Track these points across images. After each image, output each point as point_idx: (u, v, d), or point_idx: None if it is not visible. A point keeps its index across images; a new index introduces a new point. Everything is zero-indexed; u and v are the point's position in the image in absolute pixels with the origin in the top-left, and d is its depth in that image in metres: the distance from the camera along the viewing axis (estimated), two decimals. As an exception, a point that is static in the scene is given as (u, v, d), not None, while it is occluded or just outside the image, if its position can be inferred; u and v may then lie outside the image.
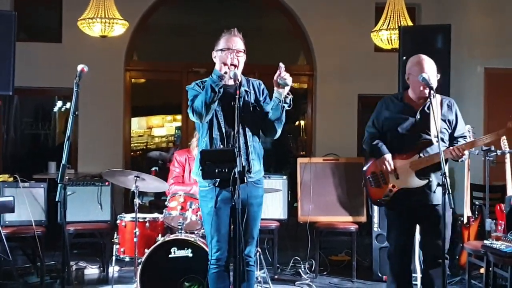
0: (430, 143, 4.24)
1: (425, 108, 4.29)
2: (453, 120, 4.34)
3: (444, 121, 4.31)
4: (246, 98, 4.02)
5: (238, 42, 4.06)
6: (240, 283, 3.73)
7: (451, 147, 4.21)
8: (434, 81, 4.20)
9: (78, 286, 5.52)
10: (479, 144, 4.25)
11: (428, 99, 4.13)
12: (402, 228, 4.47)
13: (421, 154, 4.26)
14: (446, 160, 4.20)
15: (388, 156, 4.33)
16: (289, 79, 3.81)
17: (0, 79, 6.04)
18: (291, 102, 3.91)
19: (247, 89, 4.05)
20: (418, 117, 4.31)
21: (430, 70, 4.24)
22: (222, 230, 3.97)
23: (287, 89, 3.86)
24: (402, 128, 4.36)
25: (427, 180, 4.25)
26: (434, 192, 4.23)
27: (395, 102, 4.49)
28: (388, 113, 4.46)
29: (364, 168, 4.57)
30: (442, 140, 4.19)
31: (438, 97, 4.34)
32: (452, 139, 4.33)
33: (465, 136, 4.39)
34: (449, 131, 4.33)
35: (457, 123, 4.35)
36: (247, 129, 4.01)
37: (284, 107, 3.90)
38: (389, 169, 4.32)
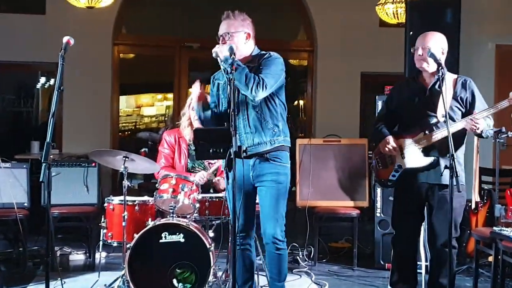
0: (436, 120, 4.29)
1: (436, 86, 4.34)
2: (467, 98, 4.36)
3: (456, 99, 4.33)
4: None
5: (221, 28, 4.28)
6: (234, 265, 3.77)
7: (464, 118, 4.23)
8: (437, 54, 4.23)
9: (63, 272, 5.52)
10: (487, 113, 4.27)
11: (437, 76, 4.17)
12: (409, 212, 4.51)
13: (426, 132, 4.31)
14: (460, 141, 4.25)
15: (389, 138, 4.41)
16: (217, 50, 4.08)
17: (-20, 52, 6.03)
18: (225, 67, 4.06)
19: (249, 65, 4.18)
20: (428, 94, 4.37)
21: (434, 42, 4.31)
22: (237, 208, 4.08)
23: (220, 58, 4.07)
24: (411, 107, 4.44)
25: (433, 158, 4.29)
26: (442, 175, 4.27)
27: (409, 82, 4.63)
28: (400, 92, 4.61)
29: (374, 152, 4.67)
30: (452, 118, 4.21)
31: (452, 75, 4.39)
32: None
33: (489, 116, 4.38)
34: (463, 110, 4.35)
35: (474, 101, 4.37)
36: (240, 103, 4.18)
37: (227, 71, 4.05)
38: (391, 149, 4.38)
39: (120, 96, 9.35)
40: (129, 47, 9.30)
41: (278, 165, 4.22)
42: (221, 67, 4.12)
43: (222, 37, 4.22)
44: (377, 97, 6.13)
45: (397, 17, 7.24)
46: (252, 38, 4.29)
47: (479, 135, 4.32)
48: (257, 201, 4.36)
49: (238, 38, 4.21)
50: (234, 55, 3.95)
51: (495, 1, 8.43)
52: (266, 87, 4.07)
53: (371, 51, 8.75)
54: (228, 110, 3.89)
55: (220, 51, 4.06)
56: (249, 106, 4.18)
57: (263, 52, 4.32)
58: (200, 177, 5.14)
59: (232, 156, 3.71)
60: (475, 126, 4.18)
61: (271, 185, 4.21)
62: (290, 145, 4.34)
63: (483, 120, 4.23)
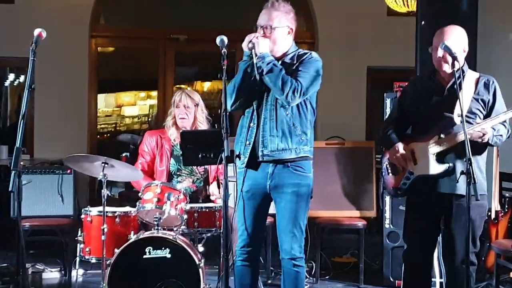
0: (453, 122, 4.27)
1: (455, 85, 4.32)
2: (489, 100, 4.37)
3: (477, 100, 4.33)
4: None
5: (262, 17, 4.29)
6: (227, 283, 3.79)
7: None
8: (457, 51, 4.23)
9: (35, 292, 5.54)
10: (499, 120, 4.29)
11: (457, 74, 4.16)
12: (422, 223, 4.51)
13: (441, 135, 4.31)
14: (483, 146, 4.26)
15: (398, 145, 4.41)
16: (256, 41, 4.11)
17: None
18: (262, 69, 4.11)
19: (285, 61, 4.25)
20: (446, 94, 4.36)
21: (453, 38, 4.30)
22: (246, 217, 4.26)
23: (255, 52, 4.12)
24: (426, 107, 4.42)
25: (448, 165, 4.30)
26: (458, 181, 4.27)
27: (424, 79, 4.62)
28: (415, 91, 4.58)
29: (383, 157, 4.67)
30: (470, 122, 4.20)
31: (475, 74, 4.39)
32: None
33: (505, 120, 4.39)
34: (484, 112, 4.36)
35: (495, 103, 4.37)
36: (269, 102, 4.21)
37: (261, 70, 4.12)
38: (400, 158, 4.39)
39: (98, 95, 9.34)
40: (108, 40, 9.30)
41: (300, 175, 4.23)
42: (254, 61, 4.12)
43: (262, 28, 4.22)
44: (385, 94, 6.15)
45: (407, 5, 7.27)
46: (293, 33, 4.32)
47: (488, 144, 4.32)
48: (270, 212, 4.41)
49: (279, 32, 4.24)
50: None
51: (517, -13, 8.47)
52: (303, 94, 4.14)
53: (379, 43, 8.77)
54: (219, 111, 3.89)
55: (259, 44, 4.11)
56: (279, 107, 4.19)
57: (302, 50, 4.35)
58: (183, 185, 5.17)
59: (224, 162, 3.73)
60: (483, 138, 4.20)
61: (291, 198, 4.21)
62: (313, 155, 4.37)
63: (491, 128, 4.24)
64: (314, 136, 4.38)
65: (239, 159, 4.12)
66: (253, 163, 4.21)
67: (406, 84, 4.83)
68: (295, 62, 4.26)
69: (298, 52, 4.33)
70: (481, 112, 4.34)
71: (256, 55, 4.10)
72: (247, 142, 4.22)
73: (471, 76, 4.34)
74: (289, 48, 4.32)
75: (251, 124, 4.24)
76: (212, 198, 5.24)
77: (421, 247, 4.57)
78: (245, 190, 4.28)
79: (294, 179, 4.22)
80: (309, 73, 4.21)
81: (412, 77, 4.75)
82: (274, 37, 4.21)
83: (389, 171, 4.58)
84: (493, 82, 4.42)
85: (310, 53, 4.33)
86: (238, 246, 4.34)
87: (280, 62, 4.21)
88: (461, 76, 4.11)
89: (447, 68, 4.33)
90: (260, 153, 4.18)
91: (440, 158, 4.33)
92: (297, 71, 4.19)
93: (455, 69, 4.14)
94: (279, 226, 4.27)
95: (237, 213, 4.33)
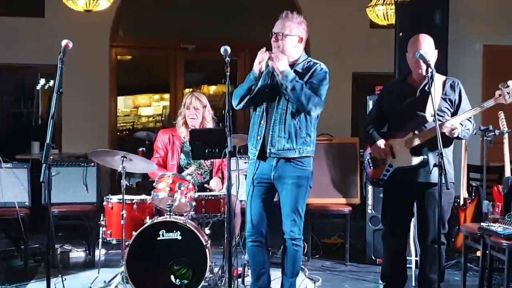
0: (425, 120, 4.30)
1: (425, 87, 4.34)
2: (456, 100, 4.39)
3: (445, 100, 4.35)
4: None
5: (277, 25, 4.26)
6: (230, 261, 3.87)
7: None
8: (431, 58, 4.25)
9: (64, 269, 5.53)
10: (464, 117, 4.31)
11: (428, 77, 4.19)
12: (398, 208, 4.54)
13: (416, 132, 4.33)
14: (450, 140, 4.28)
15: (380, 142, 4.43)
16: (275, 64, 4.09)
17: (-19, 55, 6.03)
18: (285, 84, 4.09)
19: (297, 69, 4.23)
20: (418, 95, 4.38)
21: (426, 46, 4.31)
22: (254, 203, 4.29)
23: (277, 72, 4.11)
24: (401, 108, 4.45)
25: (422, 158, 4.31)
26: (431, 173, 4.28)
27: (398, 83, 4.65)
28: (390, 94, 4.60)
29: (365, 151, 4.68)
30: (441, 118, 4.22)
31: (441, 77, 4.41)
32: None
33: (470, 116, 4.41)
34: (451, 110, 4.38)
35: (461, 102, 4.39)
36: (280, 106, 4.20)
37: (285, 87, 4.11)
38: (382, 153, 4.40)
39: (118, 97, 9.33)
40: (126, 49, 9.29)
41: (300, 168, 4.25)
42: (277, 78, 4.14)
43: (276, 35, 4.21)
44: (368, 97, 6.15)
45: (387, 18, 7.24)
46: (303, 42, 4.30)
47: (457, 137, 4.34)
48: (275, 199, 4.41)
49: (290, 40, 4.22)
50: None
51: (483, 2, 8.44)
52: (322, 106, 4.18)
53: (362, 51, 8.74)
54: (224, 111, 3.89)
55: (280, 62, 4.09)
56: (288, 112, 4.19)
57: (312, 60, 4.33)
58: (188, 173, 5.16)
59: (227, 156, 3.74)
60: (453, 133, 4.22)
61: (291, 188, 4.24)
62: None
63: (459, 124, 4.26)
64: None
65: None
66: (263, 155, 4.23)
67: (382, 87, 4.82)
68: (306, 71, 4.24)
69: (308, 62, 4.31)
70: (449, 110, 4.36)
71: (277, 74, 4.09)
72: (258, 137, 4.24)
73: (439, 79, 4.36)
74: (300, 57, 4.30)
75: (262, 122, 4.24)
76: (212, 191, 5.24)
77: (398, 230, 4.60)
78: (253, 179, 4.30)
79: (295, 172, 4.23)
80: (323, 86, 4.23)
81: (387, 82, 4.74)
82: (284, 43, 4.19)
83: (371, 165, 4.60)
84: (458, 83, 4.45)
85: (319, 65, 4.30)
86: (247, 229, 4.35)
87: (292, 70, 4.18)
88: (432, 80, 4.13)
89: (423, 72, 4.34)
90: (268, 150, 4.20)
91: (415, 151, 4.35)
92: (313, 84, 4.18)
93: (428, 74, 4.17)
94: (282, 211, 4.31)
95: (246, 199, 4.37)
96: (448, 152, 4.33)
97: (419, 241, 4.66)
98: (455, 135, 4.24)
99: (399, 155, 4.41)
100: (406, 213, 4.59)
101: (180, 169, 5.29)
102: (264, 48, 4.16)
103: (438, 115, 4.13)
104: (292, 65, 4.22)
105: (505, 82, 4.22)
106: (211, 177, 5.37)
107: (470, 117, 4.34)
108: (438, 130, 3.95)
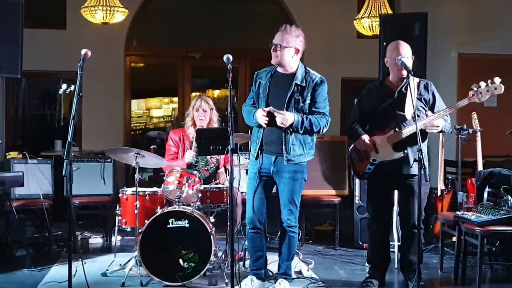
0: (404, 118, 4.32)
1: (402, 89, 4.36)
2: (430, 99, 4.41)
3: (420, 99, 4.37)
4: (295, 90, 4.24)
5: (276, 37, 4.30)
6: (232, 246, 3.90)
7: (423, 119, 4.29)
8: (409, 63, 4.27)
9: (83, 254, 5.54)
10: (442, 115, 4.32)
11: (405, 80, 4.22)
12: (381, 199, 4.55)
13: (396, 129, 4.34)
14: (424, 136, 4.29)
15: (364, 136, 4.43)
16: (283, 121, 4.16)
17: (9, 63, 6.00)
18: (296, 129, 4.20)
19: (297, 82, 4.26)
20: (396, 96, 4.38)
21: (405, 53, 4.33)
22: (255, 195, 4.33)
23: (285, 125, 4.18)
24: (381, 108, 4.45)
25: (403, 152, 4.32)
26: (411, 167, 4.29)
27: (377, 86, 4.64)
28: (371, 96, 4.60)
29: (350, 147, 4.67)
30: (418, 117, 4.23)
31: (416, 79, 4.42)
32: None
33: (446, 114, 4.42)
34: (426, 109, 4.39)
35: (435, 101, 4.42)
36: None
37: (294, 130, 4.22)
38: (365, 146, 4.40)
39: (132, 100, 9.31)
40: (139, 57, 9.26)
41: (296, 164, 4.27)
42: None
43: (275, 45, 4.24)
44: (355, 99, 6.12)
45: (372, 30, 7.24)
46: (300, 53, 4.31)
47: (440, 131, 4.37)
48: (273, 191, 4.44)
49: (287, 51, 4.24)
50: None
51: (458, 15, 8.44)
52: (329, 120, 4.31)
53: (350, 59, 8.73)
54: (226, 113, 3.89)
55: (286, 120, 4.15)
56: None
57: (309, 71, 4.34)
58: (188, 156, 5.13)
59: (230, 152, 3.74)
60: (435, 128, 4.23)
61: (288, 181, 4.28)
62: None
63: (442, 120, 4.27)
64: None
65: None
66: (260, 154, 4.32)
67: (362, 90, 4.76)
68: (306, 85, 4.26)
69: (306, 73, 4.31)
70: (424, 108, 4.39)
71: (286, 127, 4.15)
72: (257, 141, 4.32)
73: (413, 81, 4.36)
74: (298, 69, 4.30)
75: (260, 128, 4.32)
76: (218, 181, 5.23)
77: (381, 218, 4.61)
78: (255, 172, 4.35)
79: (292, 167, 4.27)
80: (327, 101, 4.33)
81: (366, 86, 4.71)
82: (282, 53, 4.22)
83: (355, 160, 4.60)
84: (430, 84, 4.48)
85: (318, 78, 4.32)
86: (247, 217, 4.38)
87: (294, 84, 4.21)
88: (409, 83, 4.14)
89: (403, 75, 4.35)
90: (285, 158, 4.24)
91: (396, 147, 4.36)
92: (318, 104, 4.27)
93: (409, 78, 4.18)
94: (281, 202, 4.34)
95: (247, 190, 4.42)
96: (423, 146, 4.34)
97: (400, 226, 4.68)
98: (435, 131, 4.28)
99: (381, 150, 4.41)
100: (388, 202, 4.61)
101: (189, 166, 5.27)
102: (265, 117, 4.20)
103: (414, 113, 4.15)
104: (292, 76, 4.21)
105: (477, 83, 4.24)
106: (215, 172, 5.37)
107: (447, 116, 4.36)
108: (417, 127, 3.96)
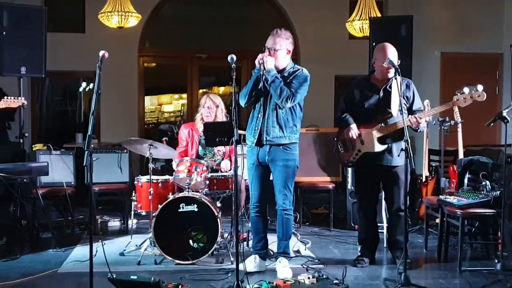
0: (390, 115, 4.32)
1: (387, 87, 4.36)
2: (411, 96, 4.42)
3: (403, 97, 4.36)
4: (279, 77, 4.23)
5: (269, 41, 4.30)
6: (237, 228, 3.93)
7: (409, 116, 4.29)
8: (395, 63, 4.26)
9: (103, 236, 5.56)
10: (428, 114, 4.34)
11: (390, 79, 4.21)
12: (367, 186, 4.56)
13: (382, 124, 4.34)
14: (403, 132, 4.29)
15: (354, 125, 4.43)
16: (265, 59, 4.16)
17: (34, 64, 6.03)
18: (267, 79, 4.15)
19: (284, 75, 4.26)
20: (382, 94, 4.38)
21: (392, 55, 4.32)
22: (254, 182, 4.33)
23: (264, 67, 4.17)
24: (368, 103, 4.45)
25: (387, 146, 4.33)
26: (399, 155, 4.30)
27: (363, 82, 4.60)
28: (358, 92, 4.57)
29: (336, 139, 4.66)
30: (402, 112, 4.22)
31: (399, 78, 4.40)
32: (410, 112, 4.41)
33: (422, 110, 4.46)
34: (407, 105, 4.40)
35: (414, 99, 4.43)
36: (272, 102, 4.23)
37: (267, 80, 4.16)
38: (354, 136, 4.40)
39: (145, 97, 9.32)
40: (151, 58, 9.25)
41: (288, 153, 4.27)
42: (261, 73, 4.16)
43: (268, 49, 4.25)
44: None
45: (363, 31, 7.22)
46: (290, 53, 4.33)
47: (415, 130, 4.37)
48: (271, 178, 4.43)
49: (280, 53, 4.26)
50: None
51: (442, 17, 8.44)
52: (293, 101, 4.18)
53: (343, 58, 8.72)
54: (231, 108, 3.89)
55: (267, 62, 4.15)
56: (278, 107, 4.23)
57: (297, 66, 4.35)
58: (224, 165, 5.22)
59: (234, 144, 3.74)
60: (419, 125, 4.23)
61: (281, 168, 4.27)
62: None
63: (424, 121, 4.29)
64: (298, 125, 4.39)
65: (246, 142, 4.16)
66: (259, 143, 4.27)
67: (350, 84, 4.70)
68: (290, 75, 4.26)
69: (293, 68, 4.32)
70: (405, 105, 4.37)
71: (264, 69, 4.14)
72: (256, 128, 4.28)
73: (399, 80, 4.35)
74: (288, 65, 4.32)
75: (259, 116, 4.29)
76: (223, 171, 5.24)
77: (367, 202, 4.62)
78: (252, 163, 4.34)
79: (284, 156, 4.26)
80: (298, 84, 4.22)
81: (352, 82, 4.68)
82: (277, 56, 4.24)
83: (341, 149, 4.60)
84: (411, 83, 4.49)
85: (301, 70, 4.32)
86: (251, 202, 4.39)
87: (280, 75, 4.21)
88: (397, 79, 4.13)
89: (391, 74, 4.35)
90: (264, 138, 4.23)
91: (381, 140, 4.36)
92: (292, 83, 4.20)
93: (395, 77, 4.17)
94: (275, 188, 4.33)
95: (248, 179, 4.41)
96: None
97: (387, 212, 4.69)
98: (419, 128, 4.28)
99: (367, 142, 4.41)
100: (373, 189, 4.62)
101: (198, 157, 5.27)
102: (263, 54, 4.21)
103: (399, 109, 4.15)
104: (281, 71, 4.24)
105: (461, 88, 4.22)
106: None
107: (422, 111, 4.39)
108: (404, 121, 3.97)
